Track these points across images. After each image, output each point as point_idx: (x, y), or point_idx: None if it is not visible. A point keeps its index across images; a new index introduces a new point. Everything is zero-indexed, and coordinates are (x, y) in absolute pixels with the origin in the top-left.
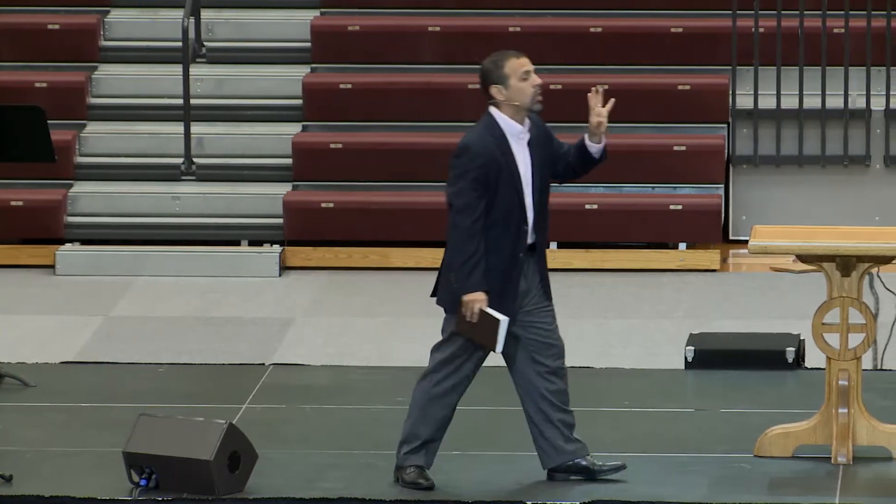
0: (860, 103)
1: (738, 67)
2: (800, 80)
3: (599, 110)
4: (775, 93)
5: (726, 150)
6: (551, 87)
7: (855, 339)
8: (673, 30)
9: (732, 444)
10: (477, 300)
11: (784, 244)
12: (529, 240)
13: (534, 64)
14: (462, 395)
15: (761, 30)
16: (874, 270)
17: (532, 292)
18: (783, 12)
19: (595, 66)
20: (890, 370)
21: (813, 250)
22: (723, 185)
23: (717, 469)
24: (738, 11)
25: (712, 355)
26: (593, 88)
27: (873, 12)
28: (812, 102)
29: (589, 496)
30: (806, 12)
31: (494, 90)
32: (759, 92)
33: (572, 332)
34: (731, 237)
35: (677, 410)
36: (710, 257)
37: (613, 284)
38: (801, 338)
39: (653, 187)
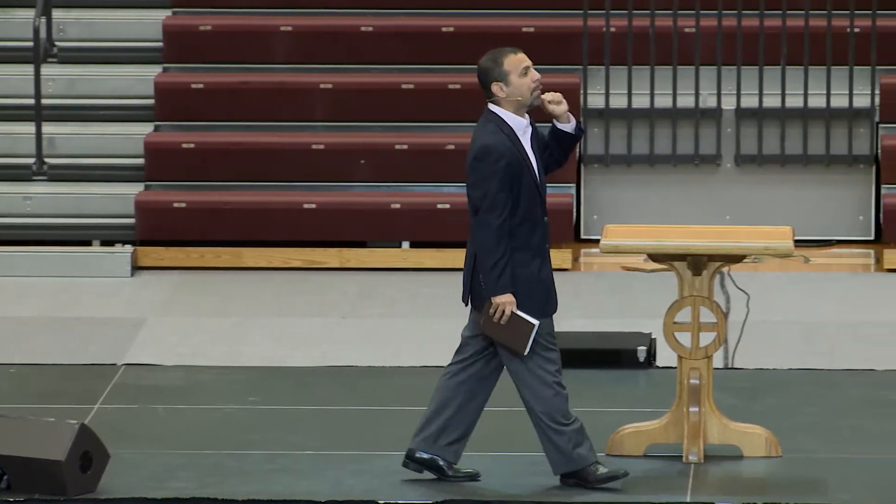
0: (711, 103)
1: (589, 67)
2: (651, 79)
3: (550, 96)
4: (626, 92)
5: (577, 150)
6: (403, 86)
7: (706, 338)
8: (524, 29)
9: None
10: (507, 302)
11: (635, 243)
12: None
13: (385, 64)
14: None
15: (612, 29)
16: (725, 269)
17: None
18: (634, 12)
19: (447, 65)
20: (741, 369)
21: (664, 249)
22: (574, 185)
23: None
24: (590, 11)
25: (564, 354)
26: (544, 96)
27: (724, 12)
28: (663, 102)
29: (442, 496)
30: (657, 12)
31: (496, 87)
32: (610, 91)
33: (425, 331)
34: (582, 236)
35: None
36: (561, 256)
37: None
38: (653, 337)
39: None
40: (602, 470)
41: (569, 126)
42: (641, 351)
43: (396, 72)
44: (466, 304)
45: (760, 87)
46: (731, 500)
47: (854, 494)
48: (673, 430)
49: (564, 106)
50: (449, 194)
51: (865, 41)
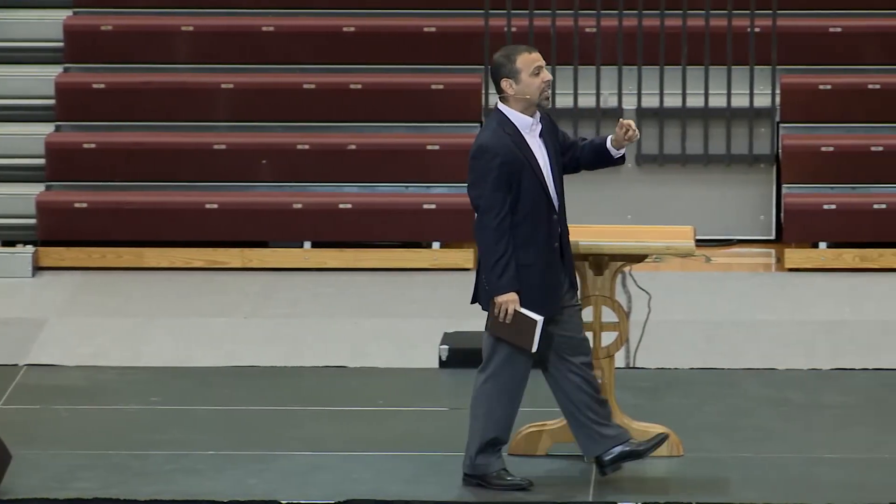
0: (612, 102)
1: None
2: (552, 79)
3: (631, 133)
4: None
5: None
6: (304, 86)
7: (608, 338)
8: (426, 29)
9: None
10: (510, 300)
11: None
12: (560, 231)
13: (286, 64)
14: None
15: (514, 29)
16: (626, 269)
17: (563, 286)
18: (535, 12)
19: (348, 65)
20: (642, 368)
21: None
22: None
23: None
24: (491, 11)
25: (466, 354)
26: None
27: (625, 12)
28: (564, 102)
29: (344, 496)
30: (558, 12)
31: (505, 84)
32: None
33: (326, 331)
34: None
35: (432, 409)
36: (463, 256)
37: (367, 284)
38: None
39: (406, 186)
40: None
41: (617, 152)
42: None
43: (298, 72)
44: (472, 304)
45: (661, 87)
46: (633, 500)
47: (756, 493)
48: None
49: (635, 139)
50: (350, 194)
51: (766, 41)
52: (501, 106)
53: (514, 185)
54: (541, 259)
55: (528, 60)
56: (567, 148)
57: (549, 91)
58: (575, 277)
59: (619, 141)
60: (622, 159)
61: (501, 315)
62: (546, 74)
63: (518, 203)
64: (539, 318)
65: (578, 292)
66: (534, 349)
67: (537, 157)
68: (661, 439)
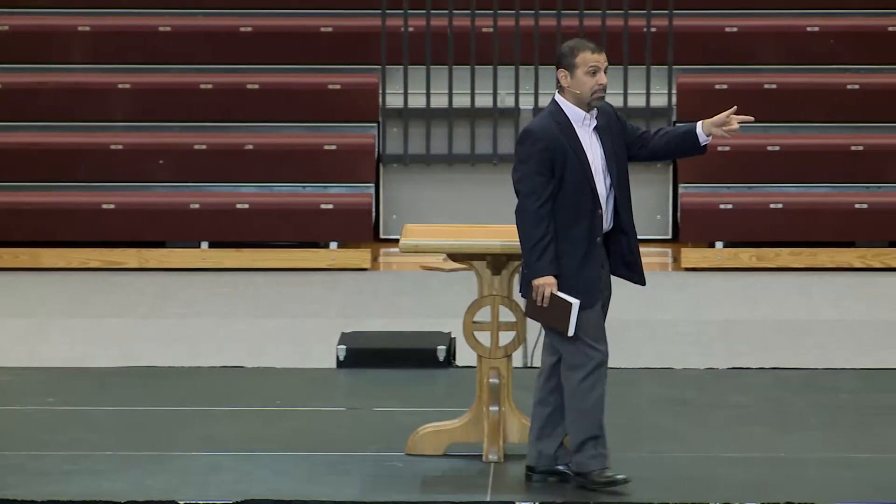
0: (509, 102)
1: (387, 67)
2: (449, 79)
3: (735, 125)
4: (425, 92)
5: (376, 150)
6: (202, 86)
7: (506, 338)
8: (323, 29)
9: (384, 442)
10: (547, 284)
11: (435, 243)
12: (606, 227)
13: (183, 64)
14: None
15: (411, 29)
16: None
17: (605, 280)
18: (432, 12)
19: (245, 65)
20: (540, 368)
21: (463, 249)
22: (373, 185)
23: (370, 467)
24: (388, 11)
25: (364, 354)
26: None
27: (522, 11)
28: (461, 101)
29: (242, 495)
30: (455, 12)
31: (560, 75)
32: (409, 91)
33: (224, 331)
34: (381, 236)
35: (329, 409)
36: (360, 256)
37: (265, 284)
38: (452, 336)
39: (303, 186)
40: (607, 473)
41: (705, 139)
42: (441, 350)
43: (195, 72)
44: (522, 293)
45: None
46: (530, 500)
47: (652, 492)
48: (473, 430)
49: (733, 129)
50: (248, 194)
51: (662, 41)
52: (557, 96)
53: (558, 174)
54: (579, 251)
55: (587, 59)
56: (637, 139)
57: (602, 93)
58: (640, 263)
59: (714, 127)
60: (705, 148)
61: (539, 298)
62: (602, 77)
63: (561, 192)
64: (575, 302)
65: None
66: (570, 333)
67: (586, 151)
68: (619, 482)
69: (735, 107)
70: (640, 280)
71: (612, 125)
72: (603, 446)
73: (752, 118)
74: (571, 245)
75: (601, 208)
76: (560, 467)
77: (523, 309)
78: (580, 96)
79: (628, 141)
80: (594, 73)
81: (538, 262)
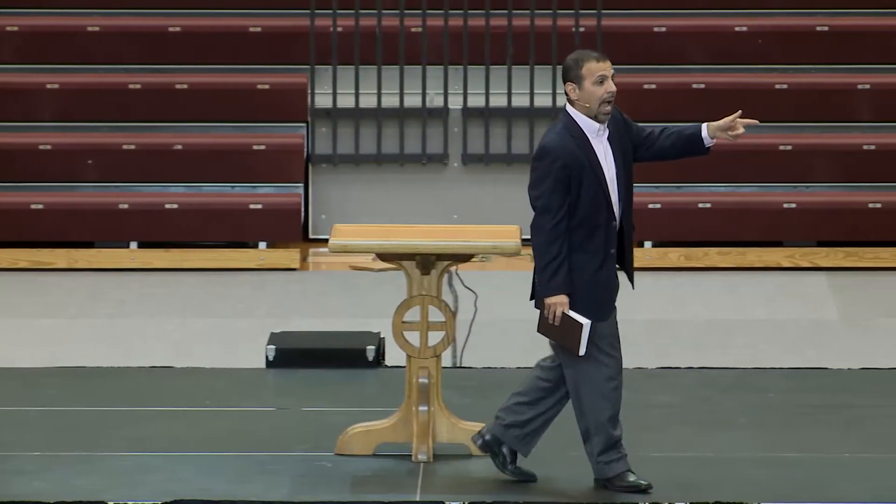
0: (438, 102)
1: (316, 66)
2: (378, 79)
3: (740, 129)
4: (354, 92)
5: (305, 149)
6: (130, 86)
7: (435, 337)
8: (252, 29)
9: (314, 442)
10: (559, 303)
11: (364, 242)
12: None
13: (112, 64)
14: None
15: (339, 29)
16: (453, 269)
17: (617, 290)
18: (361, 12)
19: (174, 65)
20: (469, 368)
21: (393, 249)
22: (302, 185)
23: (299, 467)
24: (317, 11)
25: (293, 354)
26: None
27: (450, 11)
28: (390, 101)
29: (171, 495)
30: (384, 12)
31: (569, 88)
32: (338, 91)
33: (153, 331)
34: (310, 236)
35: (258, 409)
36: (289, 256)
37: (194, 284)
38: (382, 336)
39: (232, 186)
40: (631, 477)
41: (710, 142)
42: (370, 350)
43: (123, 72)
44: (530, 300)
45: (487, 87)
46: (460, 499)
47: (580, 492)
48: (402, 430)
49: (738, 133)
50: (176, 194)
51: (591, 40)
52: (569, 108)
53: (574, 189)
54: (595, 264)
55: (594, 69)
56: (644, 139)
57: (612, 101)
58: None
59: (719, 131)
60: (708, 150)
61: (551, 317)
62: (610, 85)
63: (577, 207)
64: (586, 322)
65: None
66: (581, 352)
67: (601, 163)
68: (643, 488)
69: (740, 111)
70: (629, 277)
71: (620, 130)
72: (619, 450)
73: (756, 121)
74: (587, 257)
75: (615, 219)
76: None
77: (537, 326)
78: (590, 108)
79: (635, 142)
80: (602, 81)
81: (551, 281)
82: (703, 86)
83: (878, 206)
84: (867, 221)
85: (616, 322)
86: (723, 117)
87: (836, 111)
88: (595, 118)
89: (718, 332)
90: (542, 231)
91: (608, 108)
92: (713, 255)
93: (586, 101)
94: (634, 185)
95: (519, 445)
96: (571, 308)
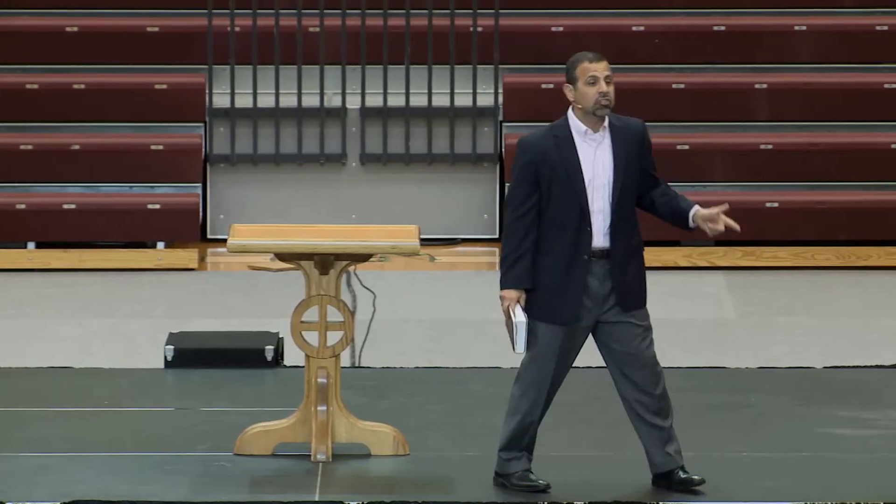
0: (336, 102)
1: (214, 66)
2: (276, 78)
3: (720, 226)
4: (251, 92)
5: (203, 149)
6: (28, 86)
7: (333, 337)
8: (149, 29)
9: (213, 442)
10: (506, 298)
11: (262, 242)
12: (599, 244)
13: (9, 63)
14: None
15: (237, 29)
16: (352, 268)
17: (609, 300)
18: (259, 11)
19: (71, 65)
20: (368, 367)
21: (291, 248)
22: (200, 185)
23: (199, 467)
24: (214, 10)
25: (192, 354)
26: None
27: (348, 11)
28: (289, 101)
29: (70, 496)
30: (282, 11)
31: (566, 89)
32: (236, 91)
33: (51, 332)
34: (209, 236)
35: (157, 409)
36: (188, 256)
37: (92, 284)
38: (281, 336)
39: (130, 186)
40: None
41: (692, 225)
42: (269, 350)
43: (20, 72)
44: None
45: (385, 87)
46: (358, 499)
47: (481, 491)
48: (301, 429)
49: (718, 230)
50: (74, 194)
51: (488, 40)
52: (569, 110)
53: (545, 189)
54: (559, 267)
55: (585, 70)
56: (646, 178)
57: (606, 102)
58: (629, 292)
59: (701, 220)
60: (692, 230)
61: (503, 309)
62: (602, 86)
63: (548, 207)
64: (521, 321)
65: (638, 310)
66: (517, 350)
67: (583, 165)
68: (700, 481)
69: (727, 205)
70: (626, 306)
71: (633, 142)
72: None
73: (738, 228)
74: (552, 259)
75: (590, 225)
76: None
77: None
78: (584, 108)
79: (641, 168)
80: (594, 82)
81: (505, 275)
82: None
83: (776, 205)
84: (764, 221)
85: (578, 334)
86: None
87: (733, 111)
88: (593, 117)
89: None
90: (506, 224)
91: (603, 110)
92: None
93: (580, 101)
94: None
95: None
96: (528, 306)
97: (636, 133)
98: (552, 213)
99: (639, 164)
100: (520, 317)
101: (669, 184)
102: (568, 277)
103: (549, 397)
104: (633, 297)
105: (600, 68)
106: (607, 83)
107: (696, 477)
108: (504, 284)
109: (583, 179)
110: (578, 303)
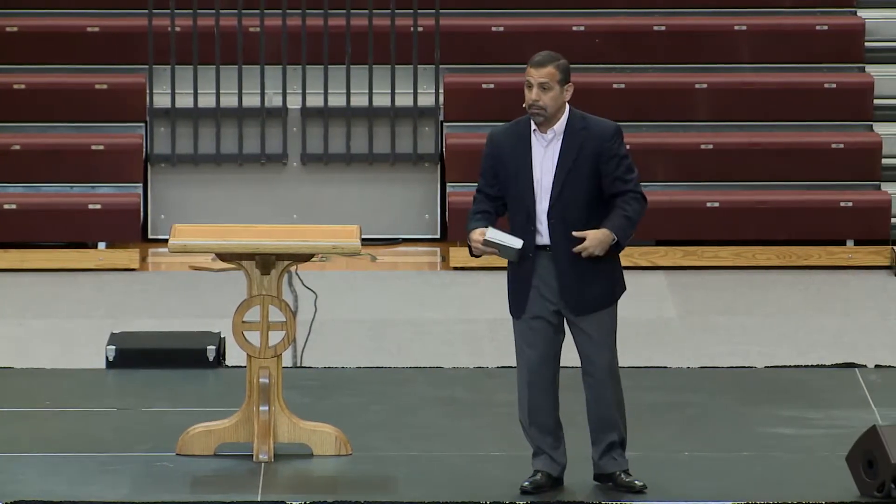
0: (276, 102)
1: (154, 66)
2: (216, 78)
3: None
4: (192, 92)
5: (144, 149)
6: None
7: (275, 337)
8: (90, 29)
9: (155, 442)
10: (473, 238)
11: (204, 242)
12: (542, 241)
13: None
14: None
15: (177, 29)
16: (293, 268)
17: (560, 298)
18: (199, 11)
19: (11, 65)
20: (310, 367)
21: (232, 248)
22: (141, 185)
23: (140, 468)
24: (154, 11)
25: (134, 354)
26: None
27: (289, 11)
28: (229, 101)
29: (11, 497)
30: (222, 11)
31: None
32: (176, 91)
33: None
34: (150, 236)
35: (98, 410)
36: (129, 256)
37: (33, 284)
38: (222, 336)
39: (71, 186)
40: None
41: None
42: (211, 350)
43: None
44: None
45: (326, 87)
46: (301, 499)
47: (422, 491)
48: (243, 430)
49: (592, 251)
50: (15, 194)
51: (429, 40)
52: None
53: (502, 182)
54: (512, 262)
55: (527, 73)
56: (610, 181)
57: (536, 110)
58: (577, 291)
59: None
60: (619, 246)
61: (477, 251)
62: (533, 93)
63: (508, 202)
64: (492, 230)
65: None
66: (518, 245)
67: (534, 164)
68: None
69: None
70: (573, 310)
71: (592, 145)
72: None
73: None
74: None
75: (534, 224)
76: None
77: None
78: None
79: (603, 171)
80: (529, 87)
81: (467, 229)
82: None
83: (717, 205)
84: (705, 220)
85: (543, 328)
86: None
87: (673, 110)
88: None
89: None
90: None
91: (535, 117)
92: None
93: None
94: (472, 184)
95: None
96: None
97: (598, 137)
98: (510, 209)
99: (594, 168)
100: (490, 232)
101: None
102: (518, 272)
103: (542, 393)
104: (583, 301)
105: (536, 74)
106: (543, 89)
107: (637, 482)
108: (468, 233)
109: (532, 178)
110: (526, 297)
